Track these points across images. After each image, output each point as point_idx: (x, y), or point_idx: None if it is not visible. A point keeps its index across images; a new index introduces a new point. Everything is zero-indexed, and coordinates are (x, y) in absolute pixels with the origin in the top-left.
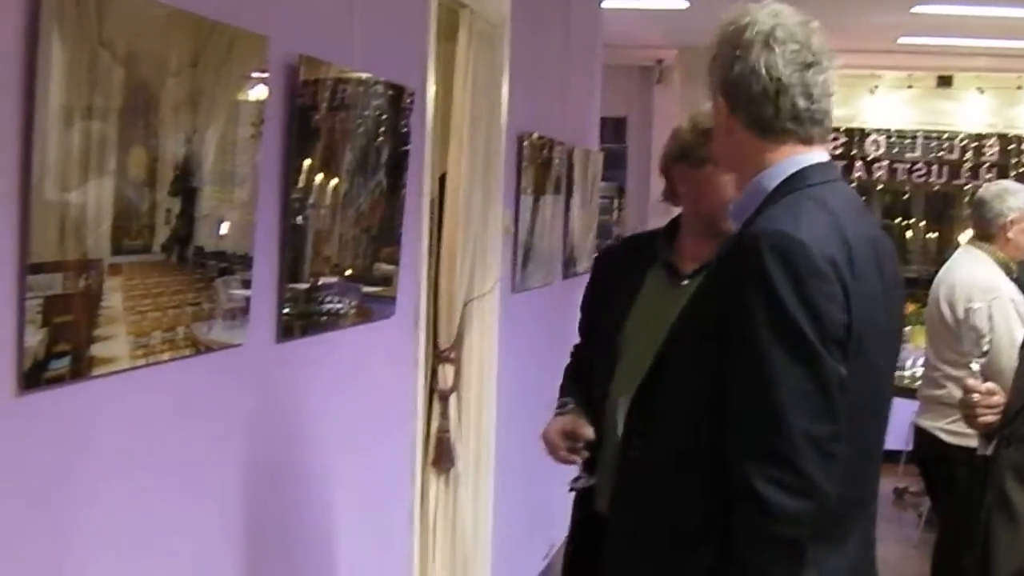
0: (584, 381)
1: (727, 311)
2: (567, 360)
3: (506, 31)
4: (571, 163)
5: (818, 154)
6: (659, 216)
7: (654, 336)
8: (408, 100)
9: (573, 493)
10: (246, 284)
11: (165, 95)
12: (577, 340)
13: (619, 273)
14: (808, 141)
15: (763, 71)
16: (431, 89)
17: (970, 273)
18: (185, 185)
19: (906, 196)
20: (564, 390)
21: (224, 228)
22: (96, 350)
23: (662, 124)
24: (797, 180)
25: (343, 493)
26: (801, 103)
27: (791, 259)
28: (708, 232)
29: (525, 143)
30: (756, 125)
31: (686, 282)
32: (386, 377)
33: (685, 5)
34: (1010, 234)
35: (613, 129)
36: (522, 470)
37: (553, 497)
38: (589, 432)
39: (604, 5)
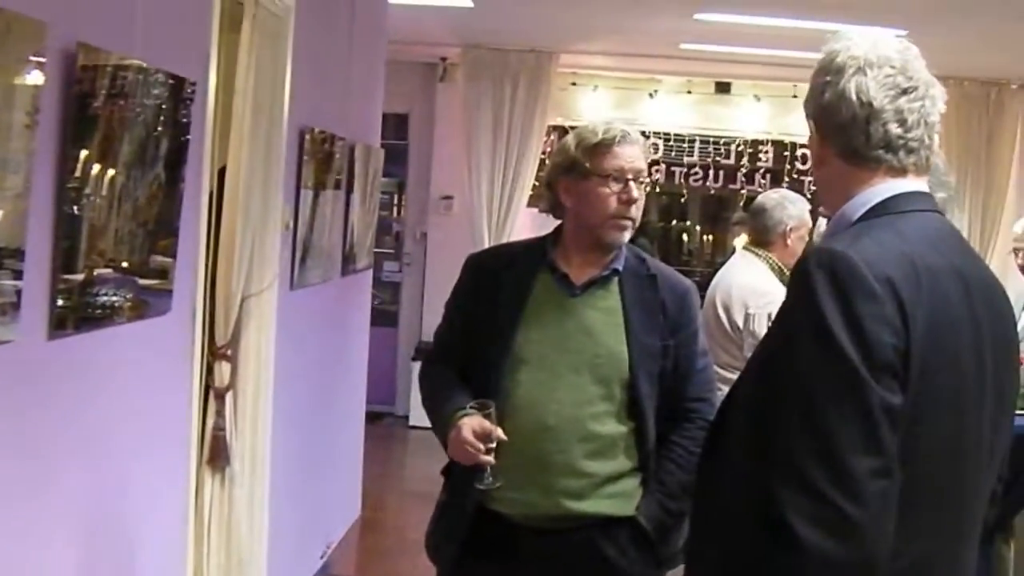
0: (462, 383)
1: (778, 338)
2: (348, 356)
3: (290, 24)
4: (352, 159)
5: (911, 183)
6: (439, 214)
7: (560, 345)
8: (189, 91)
9: (450, 491)
10: (17, 278)
11: None
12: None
13: (500, 279)
14: (901, 171)
15: (853, 96)
16: (212, 80)
17: (747, 278)
18: None
19: (683, 199)
20: (446, 394)
21: None
22: None
23: (444, 121)
24: (880, 209)
25: (114, 494)
26: (894, 130)
27: (838, 276)
28: (593, 244)
29: (307, 137)
30: (846, 153)
31: (579, 293)
32: (161, 374)
33: (470, 4)
34: (789, 241)
35: (395, 125)
36: (298, 469)
37: (329, 496)
38: (502, 434)
39: (390, 0)
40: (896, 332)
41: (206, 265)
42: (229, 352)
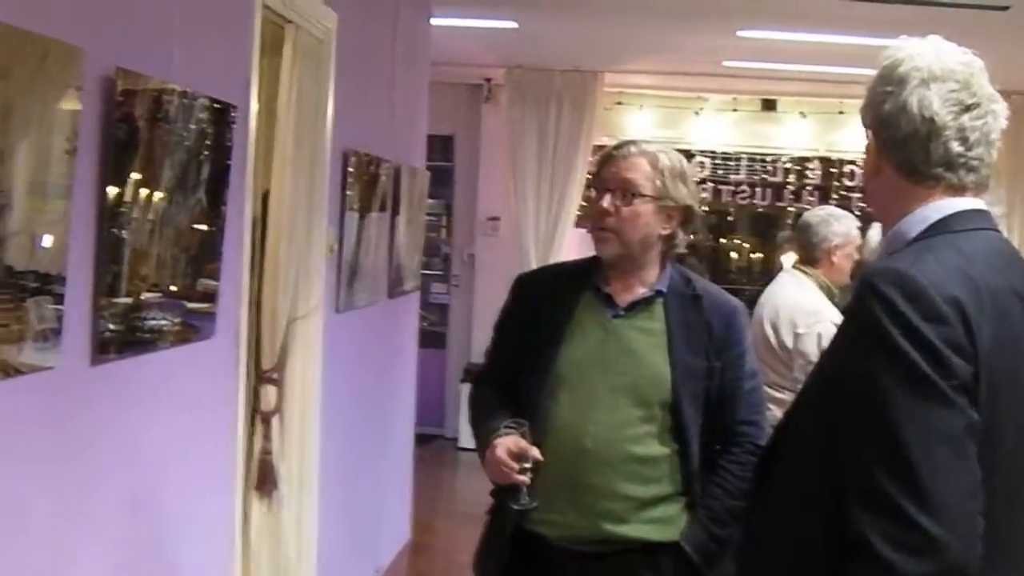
0: (508, 404)
1: (843, 360)
2: (396, 378)
3: (332, 47)
4: (397, 181)
5: (970, 201)
6: (486, 235)
7: (600, 366)
8: (230, 116)
9: (494, 513)
10: (59, 304)
11: None
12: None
13: (546, 298)
14: (960, 189)
15: (915, 110)
16: (254, 105)
17: (794, 297)
18: None
19: (731, 217)
20: (490, 413)
21: (36, 246)
22: None
23: (490, 142)
24: (939, 227)
25: (161, 520)
26: (955, 148)
27: (906, 298)
28: (632, 265)
29: (351, 160)
30: (905, 168)
31: (622, 314)
32: (207, 398)
33: (514, 25)
34: (835, 258)
35: (441, 147)
36: (347, 492)
37: (378, 519)
38: (537, 453)
39: (433, 22)
40: (965, 352)
41: (251, 289)
42: (276, 375)
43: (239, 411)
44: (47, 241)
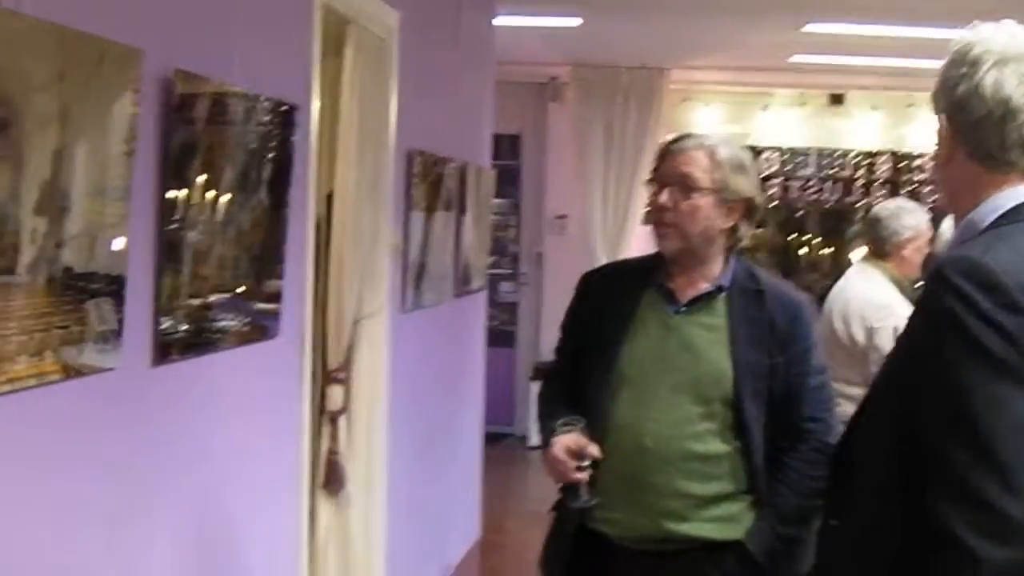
0: (573, 402)
1: (917, 353)
2: (464, 377)
3: (394, 46)
4: (463, 180)
5: None
6: (553, 233)
7: (660, 363)
8: (291, 116)
9: (558, 511)
10: (119, 305)
11: (29, 110)
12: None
13: (610, 295)
14: None
15: (989, 92)
16: (315, 105)
17: (864, 292)
18: (52, 204)
19: (799, 213)
20: (552, 411)
21: (96, 248)
22: None
23: (557, 140)
24: (1012, 215)
25: (226, 522)
26: None
27: (977, 287)
28: (694, 260)
29: (415, 160)
30: (978, 153)
31: (683, 309)
32: (271, 398)
33: (578, 22)
34: (905, 252)
35: (508, 146)
36: (415, 491)
37: (447, 518)
38: (596, 451)
39: (496, 22)
40: None
41: (317, 289)
42: (342, 375)
43: (304, 411)
44: (107, 243)
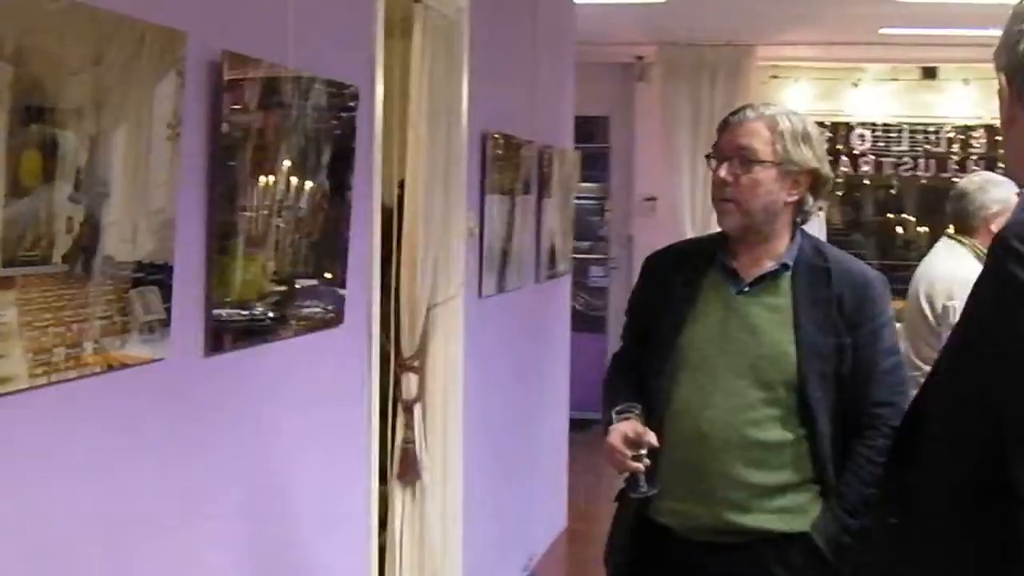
0: (638, 387)
1: (984, 323)
2: (547, 363)
3: (465, 26)
4: (543, 162)
5: None
6: (643, 216)
7: (721, 346)
8: (352, 98)
9: (620, 501)
10: (166, 294)
11: (64, 95)
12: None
13: (673, 276)
14: None
15: None
16: (379, 88)
17: (949, 268)
18: (89, 191)
19: (894, 190)
20: (615, 397)
21: (139, 236)
22: None
23: (644, 121)
24: None
25: (291, 515)
26: None
27: None
28: (757, 237)
29: (489, 143)
30: None
31: (746, 289)
32: (336, 386)
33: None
34: (993, 227)
35: (596, 128)
36: (495, 480)
37: (531, 507)
38: (653, 439)
39: (579, 0)
40: None
41: (388, 276)
42: (416, 363)
43: (373, 400)
44: (151, 230)
